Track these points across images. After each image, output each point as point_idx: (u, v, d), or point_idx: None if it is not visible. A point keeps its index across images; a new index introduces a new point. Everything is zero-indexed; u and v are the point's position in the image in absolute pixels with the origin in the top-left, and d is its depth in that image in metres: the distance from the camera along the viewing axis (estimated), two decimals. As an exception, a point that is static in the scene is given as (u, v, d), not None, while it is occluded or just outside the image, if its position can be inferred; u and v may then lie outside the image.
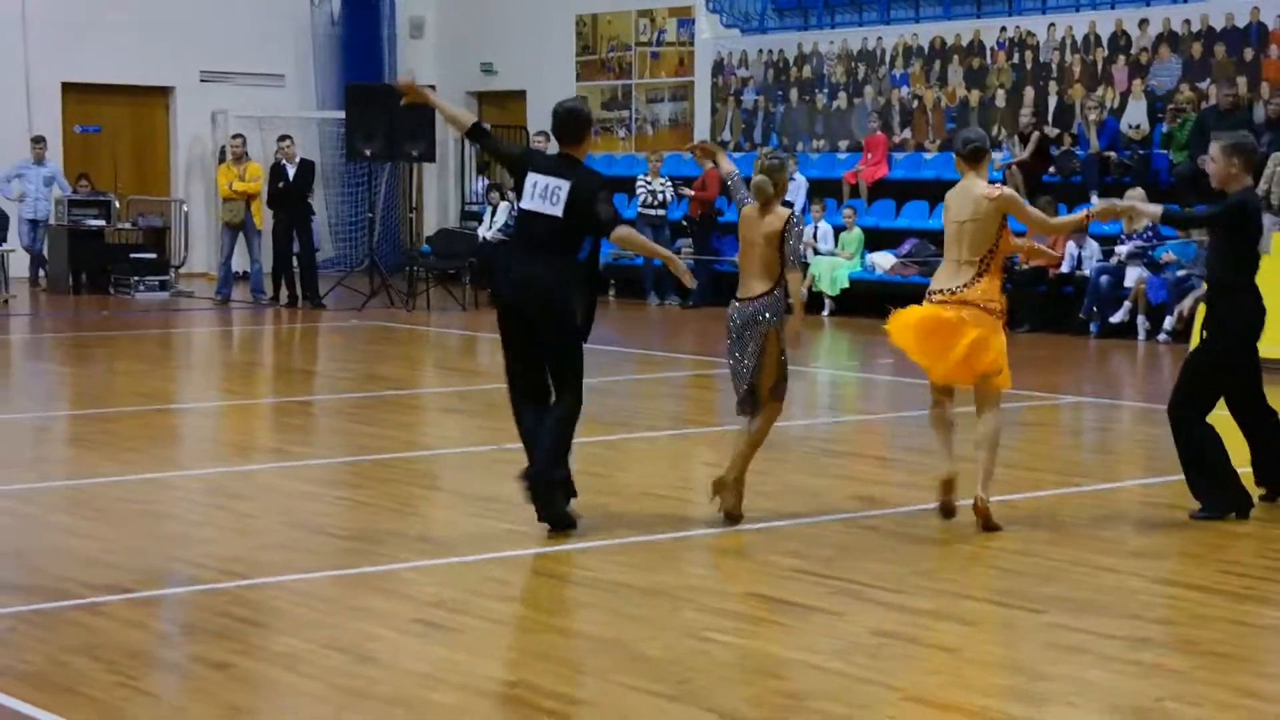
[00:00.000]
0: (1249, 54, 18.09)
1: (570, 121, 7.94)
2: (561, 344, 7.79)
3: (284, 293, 20.18)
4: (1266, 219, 15.62)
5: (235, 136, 20.87)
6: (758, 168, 7.95)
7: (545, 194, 7.75)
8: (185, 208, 23.05)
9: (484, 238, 22.18)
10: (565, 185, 7.75)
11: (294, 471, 9.38)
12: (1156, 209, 8.51)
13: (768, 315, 7.79)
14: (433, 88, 7.74)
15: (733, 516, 7.88)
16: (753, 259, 7.88)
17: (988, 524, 7.72)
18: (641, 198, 20.84)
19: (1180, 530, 7.93)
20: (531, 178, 7.83)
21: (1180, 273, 16.29)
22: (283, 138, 20.43)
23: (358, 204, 25.16)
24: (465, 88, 26.16)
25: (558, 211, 7.71)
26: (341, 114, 21.98)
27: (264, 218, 20.40)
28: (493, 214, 22.78)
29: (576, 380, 7.82)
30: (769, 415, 7.91)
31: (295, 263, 20.06)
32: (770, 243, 7.84)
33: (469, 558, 7.23)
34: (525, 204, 7.82)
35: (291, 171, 20.01)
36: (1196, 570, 7.14)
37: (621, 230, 7.84)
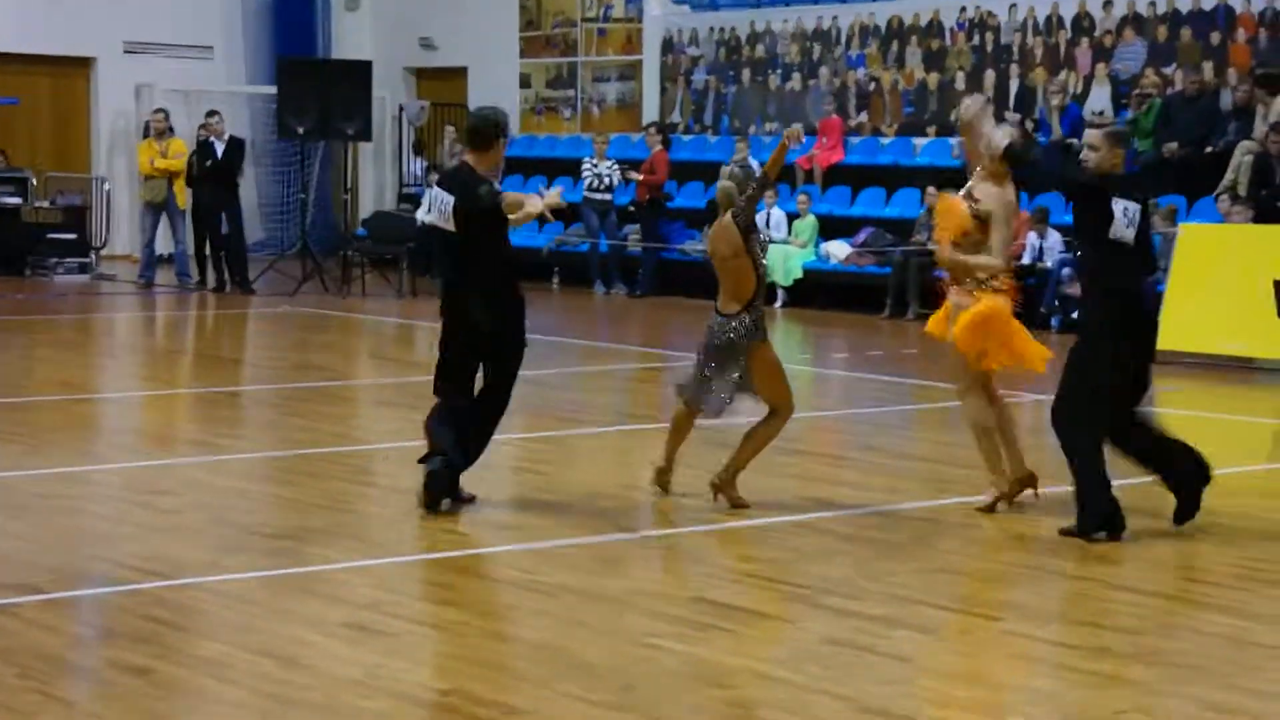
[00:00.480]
0: (1216, 38, 18.22)
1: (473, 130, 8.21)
2: (509, 362, 8.15)
3: (211, 277, 20.05)
4: (1236, 209, 15.76)
5: (157, 111, 20.68)
6: (724, 174, 8.08)
7: (437, 207, 8.14)
8: (107, 186, 22.84)
9: (422, 221, 22.08)
10: (450, 200, 8.07)
11: (220, 466, 9.32)
12: (1001, 140, 7.89)
13: (744, 340, 8.02)
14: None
15: (740, 504, 8.17)
16: (724, 274, 8.10)
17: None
18: (587, 181, 20.81)
19: (1143, 535, 7.99)
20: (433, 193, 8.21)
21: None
22: (210, 113, 20.29)
23: (289, 184, 24.98)
24: (403, 63, 26.05)
25: (451, 226, 8.02)
26: (273, 89, 21.84)
27: (185, 197, 20.24)
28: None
29: (511, 382, 8.15)
30: (783, 417, 8.16)
31: (223, 245, 19.92)
32: (738, 254, 7.98)
33: (404, 558, 7.20)
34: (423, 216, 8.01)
35: (220, 149, 19.87)
36: (1158, 577, 7.19)
37: (508, 196, 8.09)
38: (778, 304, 19.37)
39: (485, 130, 8.17)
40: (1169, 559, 7.49)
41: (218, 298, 19.52)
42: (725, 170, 8.19)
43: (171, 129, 20.66)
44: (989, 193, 8.08)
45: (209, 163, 19.81)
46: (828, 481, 9.11)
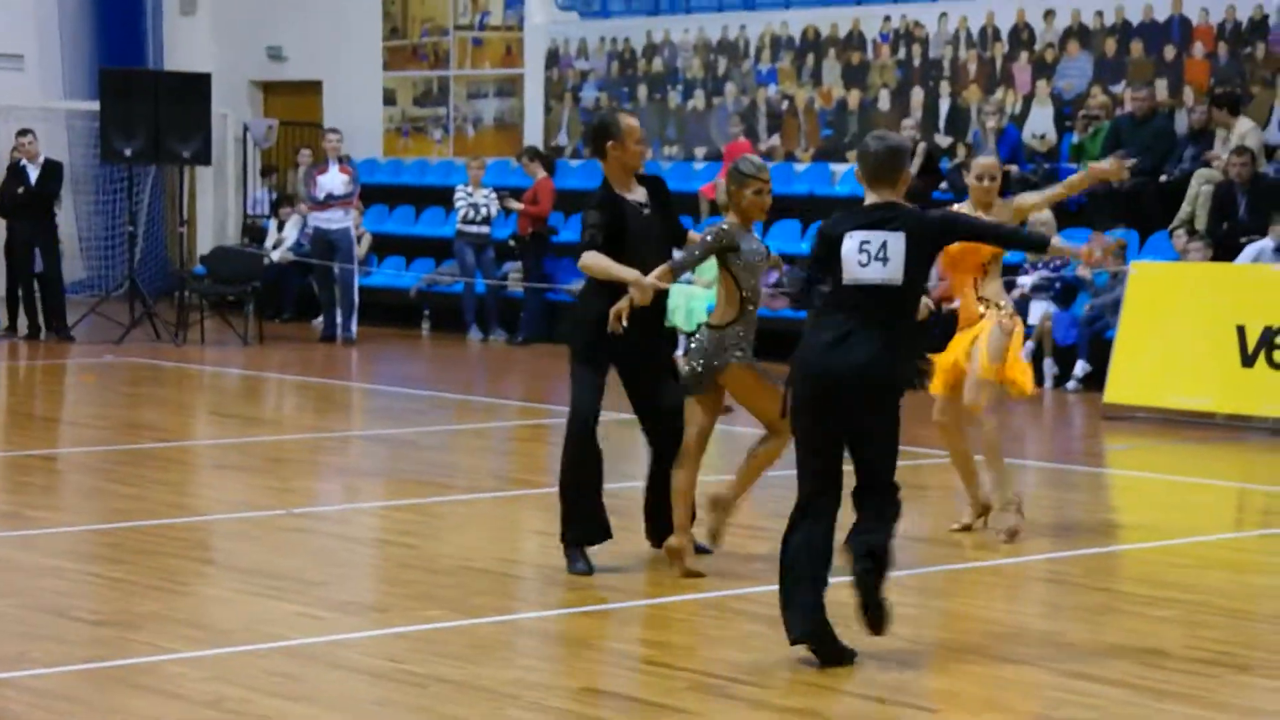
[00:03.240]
0: (1170, 53, 18.56)
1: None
2: None
3: (22, 321, 19.81)
4: (1193, 245, 16.01)
5: (-41, 130, 20.50)
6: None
7: None
8: (-99, 216, 22.53)
9: (271, 258, 22.00)
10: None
11: (32, 541, 9.20)
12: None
13: (739, 353, 8.34)
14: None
15: (714, 539, 8.69)
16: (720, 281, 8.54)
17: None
18: (461, 212, 20.80)
19: (1094, 614, 8.07)
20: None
21: (1092, 302, 16.58)
22: (22, 132, 20.09)
23: (115, 215, 24.76)
24: (248, 76, 25.94)
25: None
26: (95, 105, 21.66)
27: (-3, 230, 20.05)
28: (280, 229, 22.59)
29: None
30: (785, 438, 8.31)
31: (37, 285, 19.71)
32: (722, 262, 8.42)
33: (250, 646, 7.13)
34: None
35: (34, 174, 19.70)
36: (1113, 662, 7.26)
37: (591, 262, 8.47)
38: (679, 351, 19.42)
39: (587, 135, 8.65)
40: (1125, 641, 7.57)
41: (30, 345, 19.29)
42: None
43: (-24, 151, 20.43)
44: (995, 212, 9.42)
45: (20, 189, 19.61)
46: (738, 556, 9.12)
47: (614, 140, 8.66)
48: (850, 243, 7.10)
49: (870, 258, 7.06)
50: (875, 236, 7.09)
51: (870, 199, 7.32)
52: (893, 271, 7.05)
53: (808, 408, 7.06)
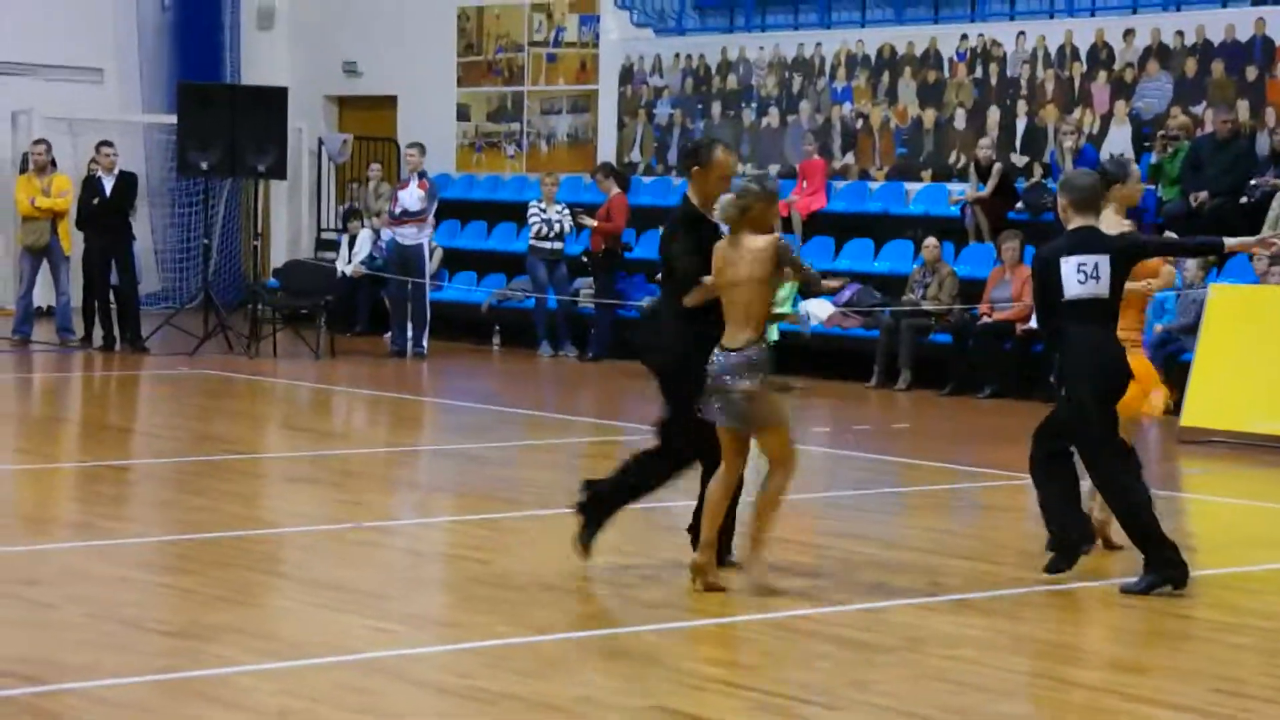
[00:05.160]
0: (1252, 73, 18.43)
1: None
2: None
3: (98, 333, 19.98)
4: (1274, 269, 15.88)
5: (39, 142, 20.66)
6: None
7: None
8: (-22, 228, 22.81)
9: (343, 272, 22.11)
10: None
11: (105, 552, 9.26)
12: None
13: (758, 368, 8.29)
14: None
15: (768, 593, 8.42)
16: (732, 301, 8.35)
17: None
18: (535, 228, 20.85)
19: (1167, 639, 8.02)
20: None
21: (1165, 325, 16.45)
22: (102, 144, 20.25)
23: (190, 228, 24.96)
24: (324, 91, 26.10)
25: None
26: (173, 118, 21.83)
27: (73, 241, 20.21)
28: (352, 244, 22.71)
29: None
30: (785, 469, 8.45)
31: (112, 297, 19.87)
32: (753, 278, 8.25)
33: (319, 660, 7.17)
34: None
35: (109, 185, 19.85)
36: (1184, 688, 7.21)
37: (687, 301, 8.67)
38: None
39: (682, 151, 8.81)
40: (1199, 668, 7.52)
41: (105, 357, 19.43)
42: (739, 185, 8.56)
43: (54, 163, 20.62)
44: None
45: (95, 201, 19.76)
46: (805, 575, 9.11)
47: (699, 167, 8.75)
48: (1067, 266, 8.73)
49: (1087, 276, 8.72)
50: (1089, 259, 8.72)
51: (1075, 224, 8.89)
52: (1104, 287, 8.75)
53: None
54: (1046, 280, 8.83)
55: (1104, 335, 8.81)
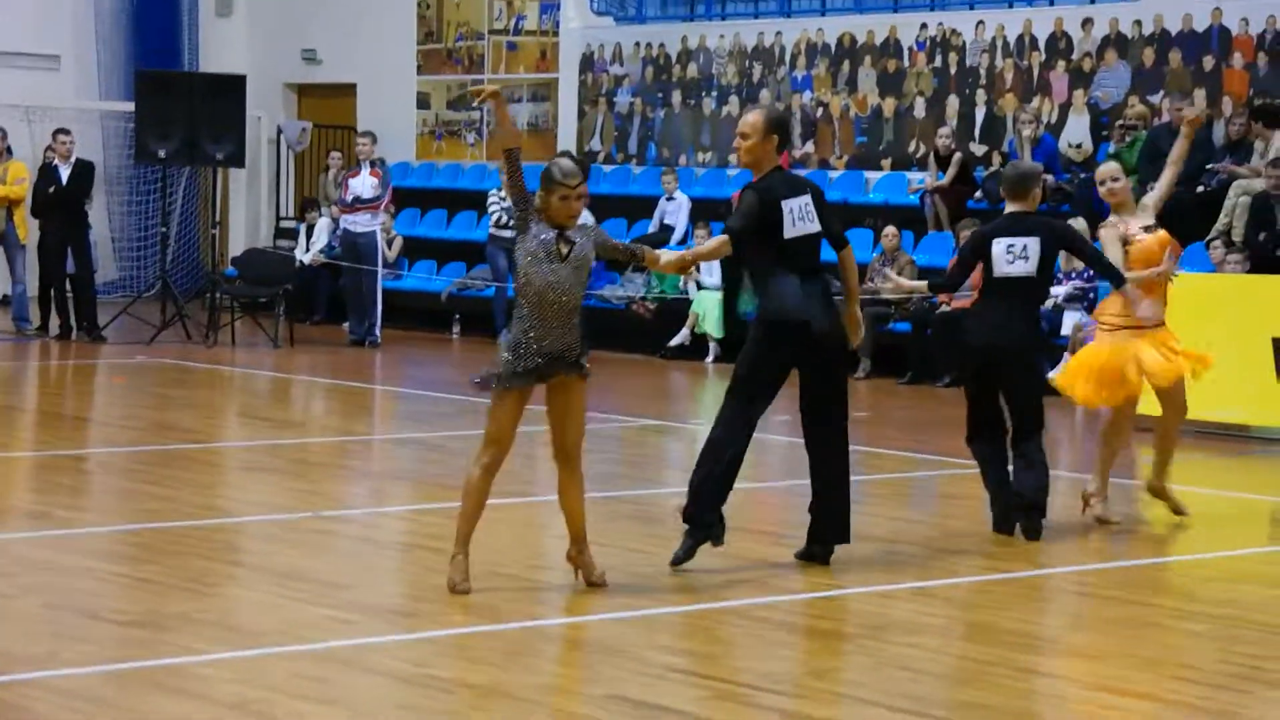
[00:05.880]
0: (1209, 62, 18.51)
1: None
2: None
3: (54, 322, 19.89)
4: (1230, 257, 15.96)
5: (-5, 129, 20.57)
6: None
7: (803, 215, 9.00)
8: (-67, 215, 22.63)
9: (301, 261, 22.05)
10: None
11: (61, 541, 9.22)
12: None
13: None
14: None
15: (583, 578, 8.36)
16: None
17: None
18: (494, 216, 20.82)
19: (1126, 627, 8.04)
20: (785, 204, 8.91)
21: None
22: (59, 132, 20.15)
23: (148, 216, 24.86)
24: (282, 79, 26.02)
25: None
26: (130, 106, 21.75)
27: (29, 230, 20.11)
28: (310, 233, 22.64)
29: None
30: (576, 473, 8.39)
31: (69, 285, 19.79)
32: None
33: (276, 649, 7.15)
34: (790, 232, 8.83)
35: (66, 173, 19.76)
36: (1143, 676, 7.24)
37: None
38: (710, 358, 19.43)
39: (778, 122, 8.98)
40: (1158, 655, 7.54)
41: (62, 346, 19.36)
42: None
43: (10, 150, 20.52)
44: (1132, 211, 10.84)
45: (51, 189, 19.67)
46: (767, 564, 9.11)
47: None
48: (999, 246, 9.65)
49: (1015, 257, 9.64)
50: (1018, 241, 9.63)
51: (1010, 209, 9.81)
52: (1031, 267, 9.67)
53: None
54: (976, 252, 9.91)
55: (1009, 313, 9.71)
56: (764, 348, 8.75)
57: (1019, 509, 9.72)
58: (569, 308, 8.10)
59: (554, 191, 8.25)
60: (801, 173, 21.06)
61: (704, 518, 8.66)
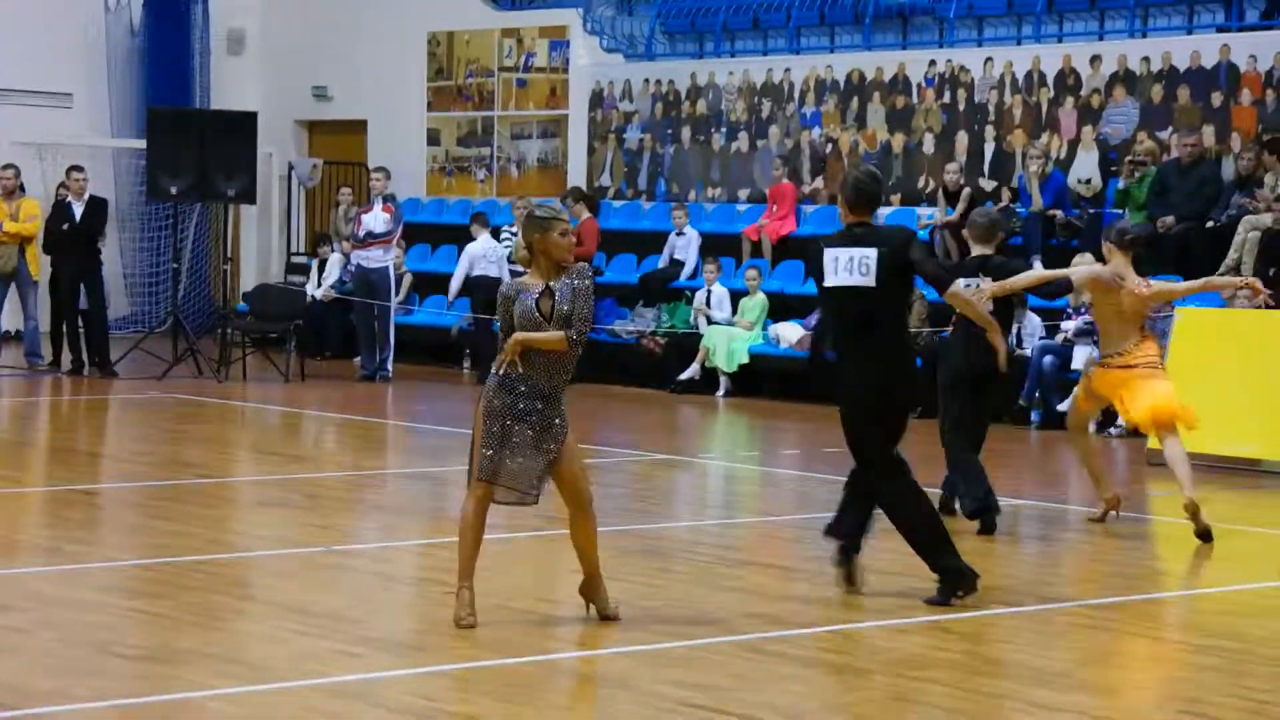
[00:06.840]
0: (1217, 99, 18.52)
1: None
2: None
3: (66, 357, 19.91)
4: (1240, 292, 15.92)
5: (7, 167, 20.59)
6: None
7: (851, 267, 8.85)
8: (-54, 252, 22.68)
9: (312, 296, 22.09)
10: (872, 252, 8.82)
11: (73, 576, 9.22)
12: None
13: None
14: None
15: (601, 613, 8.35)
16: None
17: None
18: (505, 252, 20.83)
19: (1136, 661, 8.02)
20: (830, 254, 8.91)
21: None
22: (73, 169, 20.21)
23: (160, 252, 24.92)
24: (294, 115, 26.09)
25: (870, 281, 8.81)
26: (142, 143, 21.80)
27: (40, 266, 20.16)
28: (322, 268, 22.68)
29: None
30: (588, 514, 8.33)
31: (81, 321, 19.82)
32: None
33: (288, 684, 7.14)
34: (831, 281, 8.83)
35: (79, 211, 19.80)
36: (1153, 710, 7.22)
37: (955, 286, 9.28)
38: (720, 392, 19.42)
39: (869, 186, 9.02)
40: (1168, 690, 7.52)
41: (74, 381, 19.37)
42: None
43: (23, 187, 20.57)
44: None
45: (65, 226, 19.72)
46: (775, 596, 9.10)
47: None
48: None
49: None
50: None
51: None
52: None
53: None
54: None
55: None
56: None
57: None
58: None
59: (553, 229, 8.13)
60: (810, 209, 21.15)
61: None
